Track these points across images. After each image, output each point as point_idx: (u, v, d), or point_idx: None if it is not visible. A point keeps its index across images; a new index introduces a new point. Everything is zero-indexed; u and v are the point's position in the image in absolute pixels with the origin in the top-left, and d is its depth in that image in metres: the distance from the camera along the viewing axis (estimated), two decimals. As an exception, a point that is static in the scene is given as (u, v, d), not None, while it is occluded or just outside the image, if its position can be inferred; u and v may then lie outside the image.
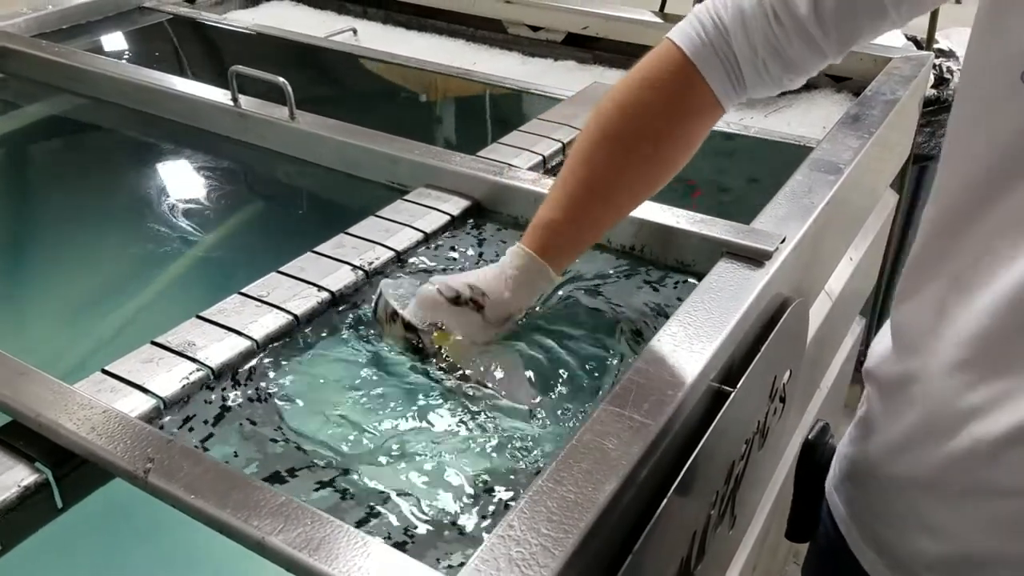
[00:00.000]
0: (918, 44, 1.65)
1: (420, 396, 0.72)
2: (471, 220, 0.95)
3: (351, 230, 0.90)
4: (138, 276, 0.95)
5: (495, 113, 1.35)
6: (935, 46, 1.66)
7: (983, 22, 0.57)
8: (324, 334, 0.78)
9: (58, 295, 0.95)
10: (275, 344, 0.75)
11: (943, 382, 0.62)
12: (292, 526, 0.52)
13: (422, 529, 0.59)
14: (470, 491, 0.63)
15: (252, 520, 0.53)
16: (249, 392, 0.71)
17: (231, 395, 0.70)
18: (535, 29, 1.57)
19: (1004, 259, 0.56)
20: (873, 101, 1.11)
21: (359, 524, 0.59)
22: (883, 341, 0.73)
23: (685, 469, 0.65)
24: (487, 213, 0.96)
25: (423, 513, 0.60)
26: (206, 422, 0.67)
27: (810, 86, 1.32)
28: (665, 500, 0.62)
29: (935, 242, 0.64)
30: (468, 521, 0.60)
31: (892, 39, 1.45)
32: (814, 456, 0.84)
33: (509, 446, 0.67)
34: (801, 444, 0.86)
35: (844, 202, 1.00)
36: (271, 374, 0.73)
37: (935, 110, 1.73)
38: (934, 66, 1.63)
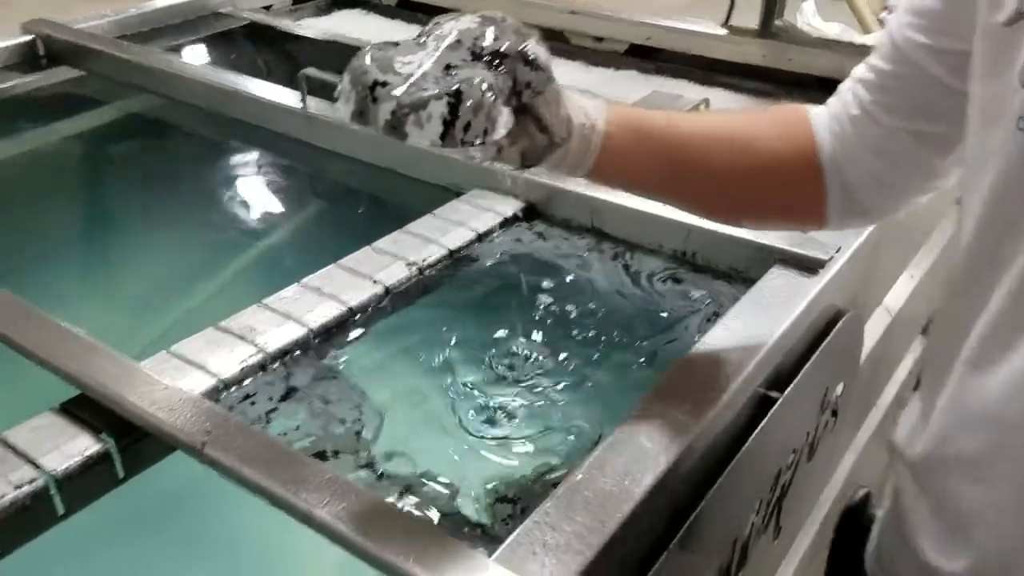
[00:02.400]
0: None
1: (472, 383, 0.73)
2: (524, 223, 0.97)
3: (408, 227, 0.92)
4: (208, 266, 1.00)
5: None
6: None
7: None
8: (377, 325, 0.80)
9: (133, 282, 1.00)
10: (330, 332, 0.78)
11: None
12: (337, 501, 0.54)
13: (459, 508, 0.60)
14: (518, 476, 0.64)
15: (300, 493, 0.55)
16: (305, 372, 0.73)
17: (288, 376, 0.73)
18: (599, 40, 1.58)
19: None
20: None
21: (400, 497, 0.61)
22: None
23: (727, 471, 0.66)
24: (541, 216, 0.97)
25: (463, 496, 0.61)
26: (270, 399, 0.70)
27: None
28: (704, 501, 0.62)
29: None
30: (508, 507, 0.61)
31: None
32: (853, 524, 0.81)
33: (560, 433, 0.68)
34: (841, 510, 0.83)
35: (903, 221, 0.99)
36: (325, 360, 0.75)
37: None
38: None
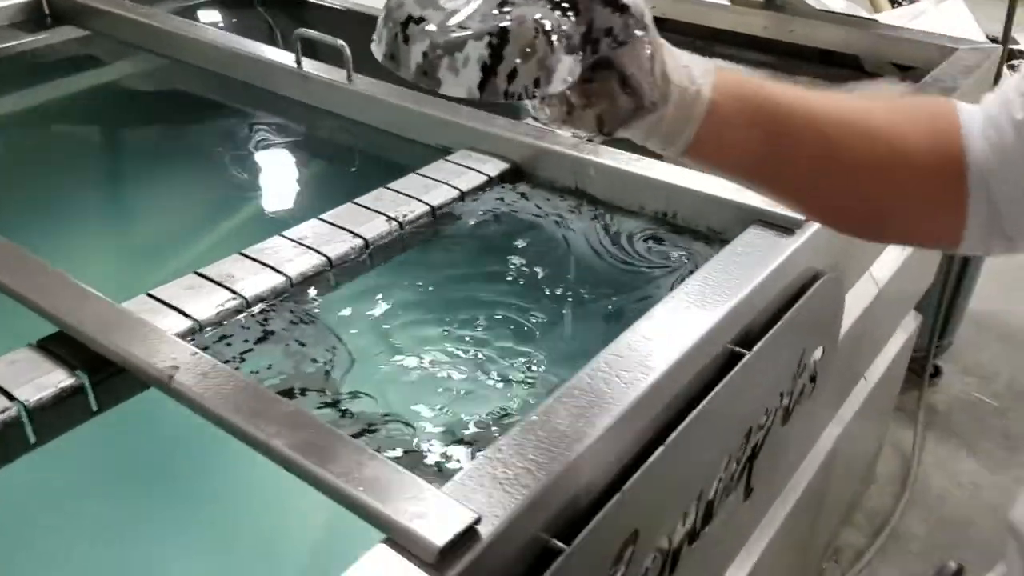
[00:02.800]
0: (994, 42, 1.60)
1: (445, 334, 0.74)
2: (508, 183, 0.97)
3: (391, 185, 0.93)
4: (198, 220, 1.01)
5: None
6: (1012, 46, 1.61)
7: None
8: (357, 278, 0.81)
9: (124, 232, 1.02)
10: (309, 281, 0.79)
11: None
12: (297, 433, 0.55)
13: (418, 447, 0.62)
14: (479, 420, 0.65)
15: (261, 425, 0.56)
16: (282, 317, 0.75)
17: (267, 320, 0.74)
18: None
19: None
20: (930, 88, 1.09)
21: (357, 436, 0.62)
22: None
23: (688, 420, 0.66)
24: (526, 176, 0.98)
25: (423, 437, 0.63)
26: (246, 341, 0.71)
27: (875, 74, 1.29)
28: (663, 447, 0.63)
29: None
30: (465, 448, 0.62)
31: (967, 32, 1.41)
32: None
33: (523, 378, 0.69)
34: None
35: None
36: (304, 306, 0.76)
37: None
38: (1010, 65, 1.58)
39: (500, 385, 0.70)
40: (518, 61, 0.43)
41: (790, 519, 1.08)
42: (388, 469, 0.53)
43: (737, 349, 0.74)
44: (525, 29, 0.43)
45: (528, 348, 0.75)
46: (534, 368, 0.72)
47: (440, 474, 0.60)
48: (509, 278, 0.83)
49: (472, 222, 0.90)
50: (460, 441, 0.63)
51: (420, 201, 0.90)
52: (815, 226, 0.82)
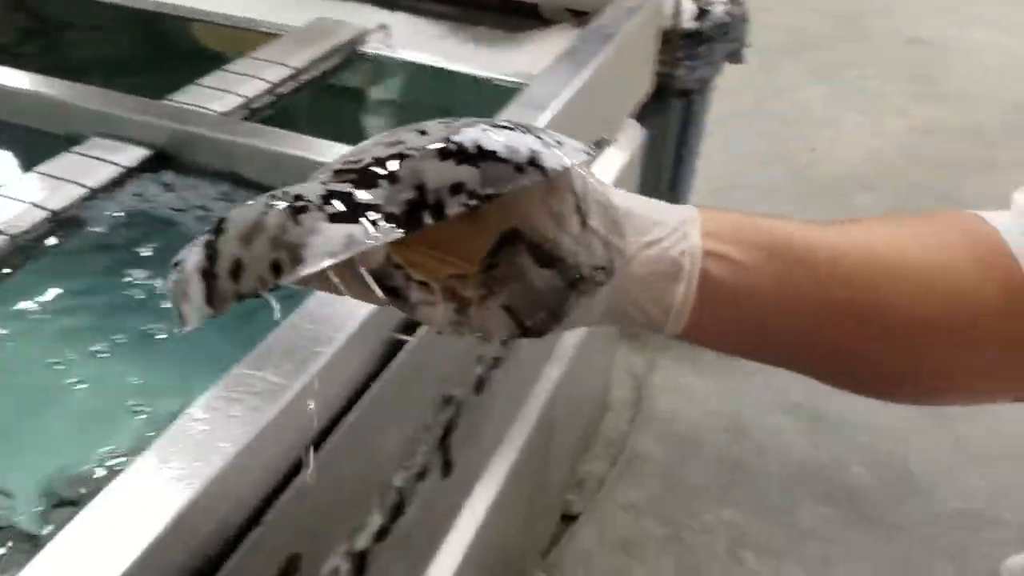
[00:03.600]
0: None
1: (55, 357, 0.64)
2: (150, 173, 0.87)
3: (1, 190, 0.80)
4: None
5: (198, 51, 1.24)
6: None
7: None
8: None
9: None
10: None
11: None
12: None
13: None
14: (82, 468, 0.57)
15: None
16: None
17: None
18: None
19: None
20: (594, 35, 1.09)
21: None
22: None
23: (346, 418, 0.62)
24: (172, 163, 0.88)
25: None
26: None
27: (548, 21, 1.29)
28: (308, 468, 0.58)
29: None
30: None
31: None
32: None
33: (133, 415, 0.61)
34: None
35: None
36: None
37: (695, 43, 1.75)
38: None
39: (104, 418, 0.61)
40: (241, 252, 0.32)
41: (514, 475, 1.09)
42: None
43: (400, 336, 0.70)
44: (246, 212, 0.33)
45: (140, 374, 0.66)
46: (148, 395, 0.64)
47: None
48: (128, 297, 0.73)
49: (100, 228, 0.78)
50: (61, 503, 0.54)
51: (37, 207, 0.78)
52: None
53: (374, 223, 0.32)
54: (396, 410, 0.72)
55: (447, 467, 0.86)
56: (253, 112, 0.97)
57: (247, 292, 0.32)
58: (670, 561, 1.58)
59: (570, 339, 1.31)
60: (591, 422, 1.75)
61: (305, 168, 0.86)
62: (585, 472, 1.73)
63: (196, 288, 0.33)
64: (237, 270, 0.32)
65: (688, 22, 1.74)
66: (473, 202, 0.33)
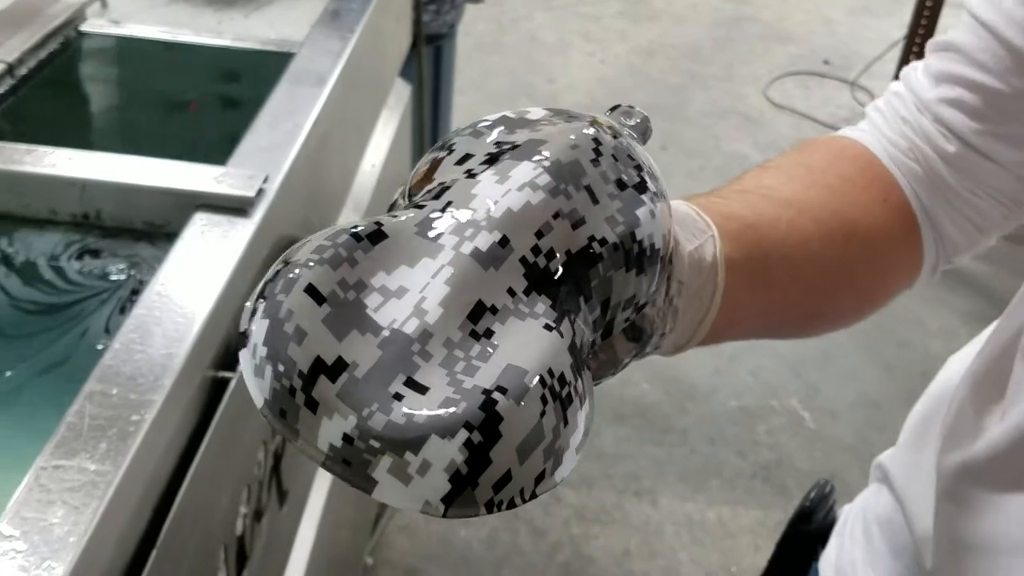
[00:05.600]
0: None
1: None
2: None
3: None
4: None
5: None
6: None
7: None
8: None
9: None
10: None
11: None
12: None
13: None
14: None
15: None
16: None
17: None
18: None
19: None
20: (352, -7, 1.01)
21: None
22: None
23: (176, 503, 0.53)
24: None
25: None
26: None
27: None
28: (162, 534, 0.50)
29: None
30: None
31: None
32: (809, 525, 0.63)
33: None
34: (795, 510, 0.65)
35: (340, 112, 0.90)
36: None
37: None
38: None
39: None
40: (514, 464, 0.26)
41: (327, 508, 1.02)
42: None
43: (220, 375, 0.62)
44: (526, 411, 0.26)
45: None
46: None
47: None
48: None
49: None
50: None
51: None
52: (270, 197, 0.70)
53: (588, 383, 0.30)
54: (231, 454, 0.63)
55: (282, 496, 0.78)
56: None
57: (501, 503, 0.26)
58: (491, 515, 1.59)
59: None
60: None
61: (44, 185, 0.73)
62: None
63: (435, 482, 0.25)
64: (503, 482, 0.26)
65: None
66: (635, 313, 0.33)
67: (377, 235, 0.28)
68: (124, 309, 0.66)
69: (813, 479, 0.66)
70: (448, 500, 0.26)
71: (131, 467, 0.49)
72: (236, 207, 0.68)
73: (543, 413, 0.26)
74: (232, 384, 0.61)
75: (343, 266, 0.27)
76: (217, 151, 0.75)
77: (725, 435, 1.77)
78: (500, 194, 0.29)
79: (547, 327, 0.28)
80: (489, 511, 0.26)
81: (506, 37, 3.19)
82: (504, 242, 0.28)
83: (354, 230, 0.28)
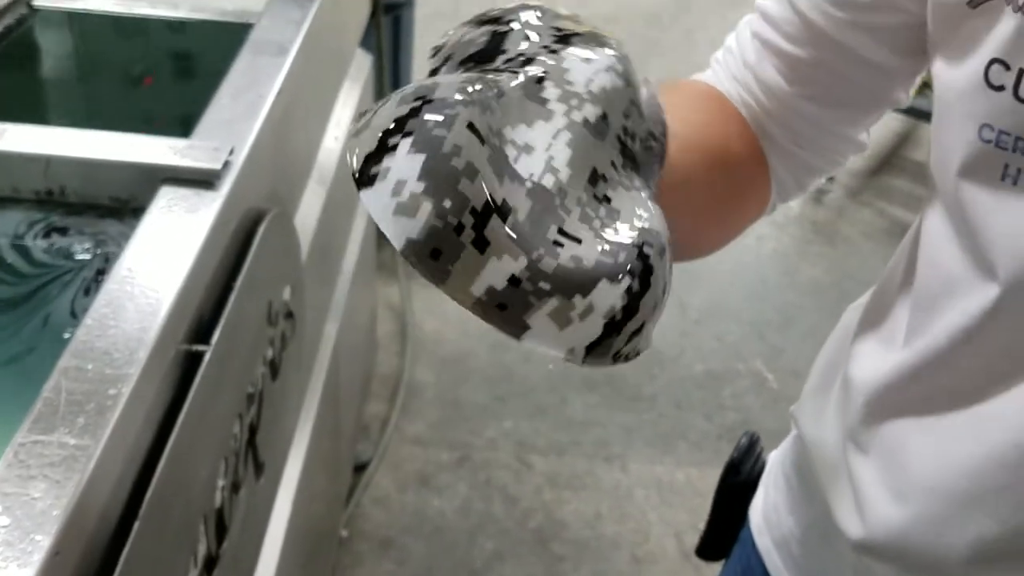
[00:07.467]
0: None
1: None
2: None
3: None
4: None
5: None
6: None
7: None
8: None
9: None
10: None
11: None
12: None
13: None
14: None
15: None
16: None
17: None
18: None
19: None
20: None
21: None
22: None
23: (155, 477, 0.53)
24: None
25: None
26: None
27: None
28: (142, 509, 0.50)
29: None
30: None
31: None
32: (738, 476, 0.66)
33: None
34: (725, 464, 0.67)
35: (303, 82, 0.90)
36: None
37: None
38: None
39: None
40: (648, 315, 0.28)
41: (313, 446, 1.03)
42: None
43: (193, 348, 0.62)
44: (663, 267, 0.28)
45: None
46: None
47: None
48: None
49: None
50: None
51: None
52: (236, 170, 0.69)
53: None
54: (208, 426, 0.63)
55: (259, 468, 0.78)
56: None
57: (621, 356, 0.28)
58: (464, 484, 1.61)
59: (341, 289, 1.25)
60: (367, 366, 1.70)
61: (5, 162, 0.71)
62: (369, 416, 1.70)
63: (591, 328, 0.26)
64: (635, 334, 0.28)
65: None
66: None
67: (499, 91, 0.28)
68: (89, 290, 0.65)
69: (779, 438, 0.68)
70: (592, 347, 0.27)
71: (111, 440, 0.49)
72: (202, 180, 0.67)
73: (668, 271, 0.29)
74: (207, 357, 0.61)
75: (487, 112, 0.27)
76: (177, 124, 0.74)
77: (691, 399, 1.81)
78: (591, 72, 0.30)
79: (651, 198, 0.30)
80: (615, 362, 0.28)
81: (464, 4, 3.16)
82: (604, 117, 0.30)
83: (480, 80, 0.28)
